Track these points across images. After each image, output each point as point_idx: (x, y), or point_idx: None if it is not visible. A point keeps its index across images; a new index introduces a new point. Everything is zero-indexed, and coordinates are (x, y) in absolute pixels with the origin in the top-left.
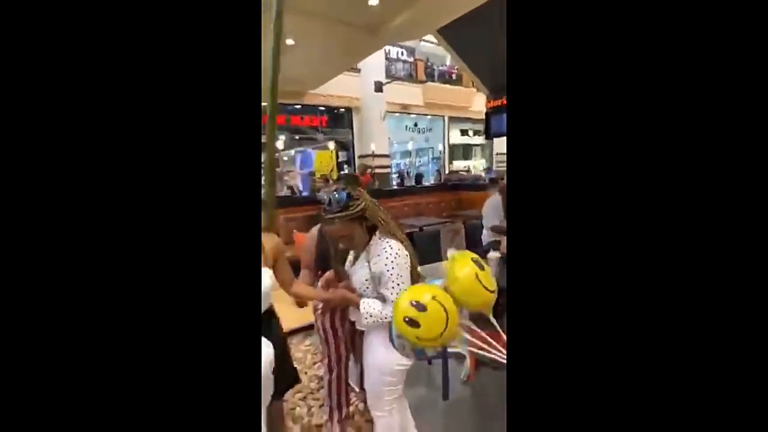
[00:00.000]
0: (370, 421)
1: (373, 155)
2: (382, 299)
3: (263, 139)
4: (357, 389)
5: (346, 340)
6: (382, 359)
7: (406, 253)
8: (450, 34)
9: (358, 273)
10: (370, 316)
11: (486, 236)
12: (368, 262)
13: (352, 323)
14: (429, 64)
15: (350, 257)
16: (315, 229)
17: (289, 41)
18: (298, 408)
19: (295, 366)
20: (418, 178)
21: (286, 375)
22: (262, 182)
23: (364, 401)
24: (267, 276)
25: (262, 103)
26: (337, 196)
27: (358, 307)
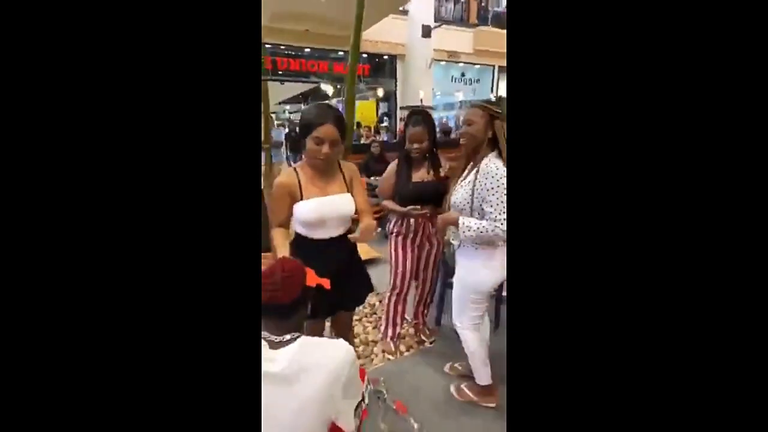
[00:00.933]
0: (420, 342)
1: (422, 106)
2: (481, 216)
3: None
4: (409, 319)
5: (412, 265)
6: (473, 277)
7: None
8: None
9: (463, 189)
10: (469, 229)
11: None
12: (475, 177)
13: (428, 249)
14: (482, 5)
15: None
16: (393, 164)
17: None
18: (354, 327)
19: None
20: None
21: (362, 284)
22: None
23: (414, 327)
24: (348, 200)
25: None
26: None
27: (457, 224)
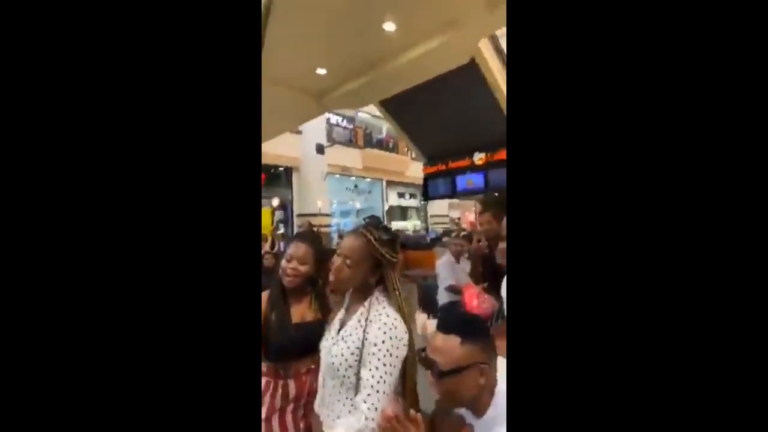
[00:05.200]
0: None
1: (320, 213)
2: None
3: None
4: None
5: None
6: None
7: (405, 333)
8: (392, 105)
9: (345, 343)
10: None
11: (442, 296)
12: (365, 327)
13: None
14: (367, 131)
15: (334, 321)
16: (264, 295)
17: None
18: None
19: None
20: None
21: None
22: None
23: None
24: None
25: None
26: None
27: None
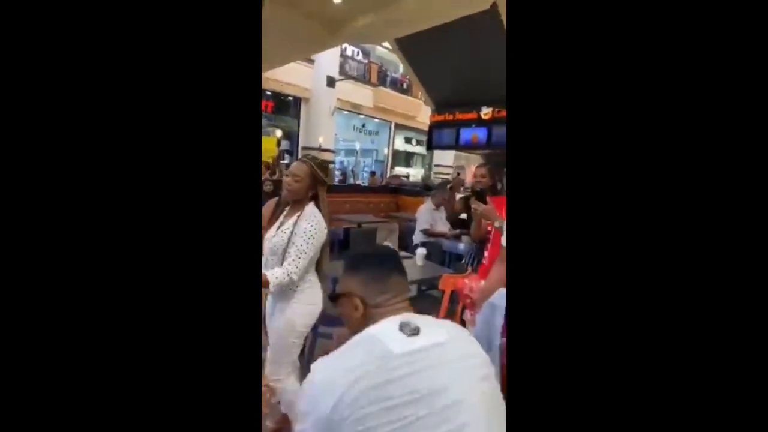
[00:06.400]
0: None
1: (320, 149)
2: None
3: None
4: None
5: None
6: (285, 319)
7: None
8: (407, 46)
9: (282, 234)
10: (279, 283)
11: (417, 237)
12: (295, 223)
13: None
14: (383, 68)
15: (274, 224)
16: (270, 202)
17: None
18: None
19: None
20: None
21: None
22: None
23: None
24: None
25: None
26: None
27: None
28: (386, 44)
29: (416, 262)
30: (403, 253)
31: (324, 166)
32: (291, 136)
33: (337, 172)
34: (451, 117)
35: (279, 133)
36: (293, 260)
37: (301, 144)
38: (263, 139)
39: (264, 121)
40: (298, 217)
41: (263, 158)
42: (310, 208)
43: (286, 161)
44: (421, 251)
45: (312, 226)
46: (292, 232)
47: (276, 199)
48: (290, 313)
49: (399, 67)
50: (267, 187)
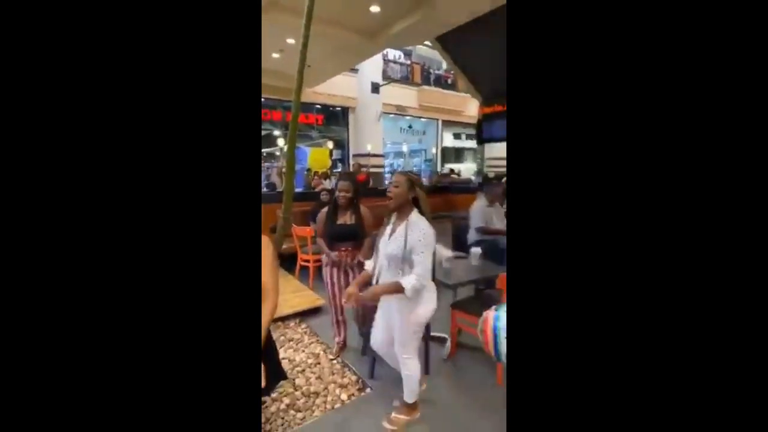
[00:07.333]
0: (361, 389)
1: (369, 155)
2: (410, 265)
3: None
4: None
5: (342, 287)
6: (413, 314)
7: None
8: (448, 42)
9: (396, 241)
10: (414, 288)
11: (471, 235)
12: (406, 230)
13: (352, 276)
14: (425, 67)
15: (386, 230)
16: (325, 209)
17: (290, 40)
18: (297, 378)
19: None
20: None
21: (276, 373)
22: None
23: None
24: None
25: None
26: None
27: (402, 291)
28: (427, 42)
29: (471, 262)
30: (457, 253)
31: (414, 178)
32: (341, 144)
33: (387, 176)
34: (501, 108)
35: (330, 144)
36: (419, 268)
37: (351, 152)
38: (317, 150)
39: (315, 133)
40: (406, 224)
41: (318, 169)
42: (415, 216)
43: (338, 169)
44: (475, 250)
45: (424, 234)
46: (405, 240)
47: (327, 208)
48: (415, 307)
49: (442, 64)
50: (324, 197)
